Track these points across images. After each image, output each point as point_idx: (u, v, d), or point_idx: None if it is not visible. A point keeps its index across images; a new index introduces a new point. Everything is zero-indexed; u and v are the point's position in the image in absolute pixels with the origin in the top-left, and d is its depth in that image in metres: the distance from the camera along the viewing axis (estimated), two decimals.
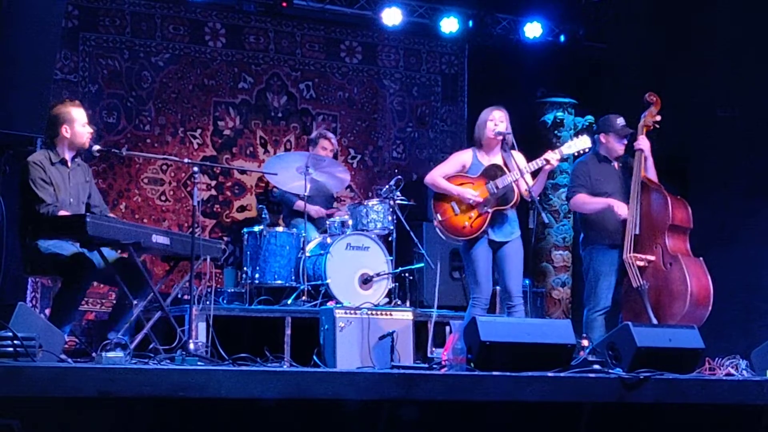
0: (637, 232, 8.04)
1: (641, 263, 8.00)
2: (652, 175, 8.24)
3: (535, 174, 7.72)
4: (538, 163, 7.67)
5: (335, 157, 10.31)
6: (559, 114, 11.48)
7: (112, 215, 7.58)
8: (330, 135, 10.12)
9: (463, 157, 7.91)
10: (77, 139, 7.24)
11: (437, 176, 7.83)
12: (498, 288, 7.97)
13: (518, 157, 7.74)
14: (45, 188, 7.01)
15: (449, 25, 11.30)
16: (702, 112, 10.09)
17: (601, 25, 11.64)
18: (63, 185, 7.13)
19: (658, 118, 8.34)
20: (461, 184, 7.76)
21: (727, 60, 9.96)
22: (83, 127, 7.27)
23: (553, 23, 11.71)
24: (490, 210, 7.65)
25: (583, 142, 8.00)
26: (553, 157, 7.68)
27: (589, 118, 11.08)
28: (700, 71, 10.14)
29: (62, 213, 6.98)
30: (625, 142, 8.31)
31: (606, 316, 8.07)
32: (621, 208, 8.05)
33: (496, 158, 7.84)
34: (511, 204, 7.72)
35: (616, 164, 8.35)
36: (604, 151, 8.34)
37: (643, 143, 8.24)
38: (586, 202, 8.23)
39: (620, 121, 8.31)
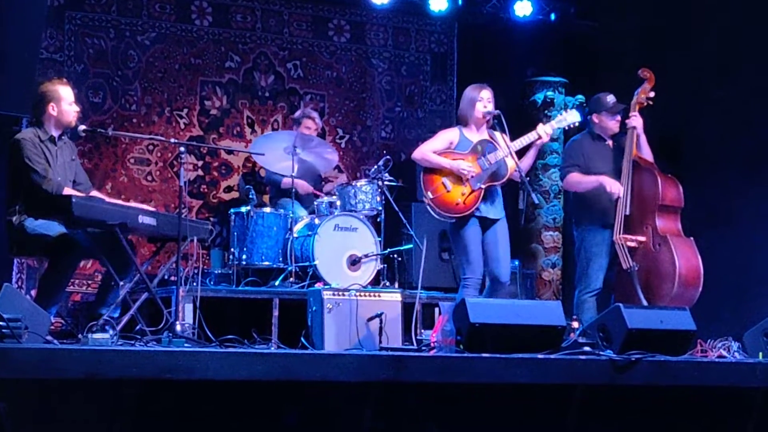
0: (628, 213, 8.01)
1: (632, 244, 7.96)
2: (646, 152, 8.21)
3: (524, 151, 7.67)
4: (530, 137, 7.63)
5: (321, 137, 10.25)
6: (550, 93, 11.42)
7: (96, 192, 7.55)
8: (314, 114, 10.05)
9: (450, 135, 7.82)
10: (64, 117, 7.22)
11: (427, 151, 7.72)
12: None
13: (502, 138, 7.70)
14: (43, 164, 6.99)
15: (438, 3, 11.21)
16: (696, 90, 10.03)
17: (592, 3, 11.56)
18: (52, 163, 7.10)
19: (652, 94, 8.29)
20: (453, 160, 7.69)
21: (722, 37, 9.89)
22: (70, 105, 7.26)
23: (544, 1, 11.63)
24: (483, 186, 7.59)
25: (573, 116, 7.97)
26: (545, 130, 7.64)
27: (580, 97, 11.02)
28: (693, 49, 10.08)
29: (67, 191, 6.95)
30: (618, 118, 8.27)
31: (597, 297, 8.05)
32: (613, 186, 8.00)
33: (483, 135, 7.78)
34: (504, 179, 7.66)
35: (610, 143, 8.32)
36: (598, 130, 8.31)
37: (635, 121, 8.19)
38: (580, 181, 8.20)
39: (610, 98, 8.27)
